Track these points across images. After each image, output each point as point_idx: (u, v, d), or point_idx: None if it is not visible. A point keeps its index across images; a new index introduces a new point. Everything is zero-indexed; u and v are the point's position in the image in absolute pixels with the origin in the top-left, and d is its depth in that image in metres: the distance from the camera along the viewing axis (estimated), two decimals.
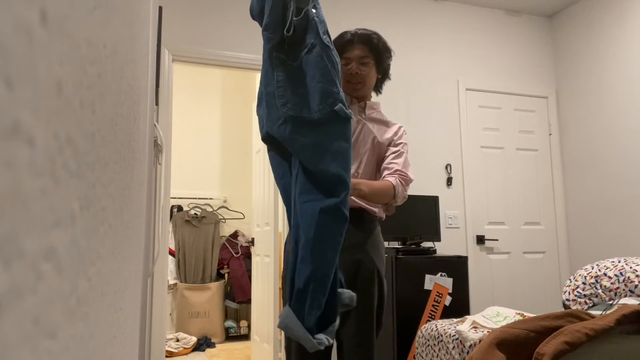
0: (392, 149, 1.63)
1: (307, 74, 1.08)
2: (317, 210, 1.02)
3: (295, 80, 1.08)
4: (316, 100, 1.07)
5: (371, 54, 1.63)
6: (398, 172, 1.57)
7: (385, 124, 1.69)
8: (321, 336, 1.04)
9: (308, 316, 1.02)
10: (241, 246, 4.51)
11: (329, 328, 1.07)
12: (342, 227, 1.05)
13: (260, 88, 1.18)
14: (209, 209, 4.59)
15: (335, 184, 1.05)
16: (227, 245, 4.53)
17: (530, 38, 3.93)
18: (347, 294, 1.13)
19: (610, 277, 1.94)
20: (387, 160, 1.61)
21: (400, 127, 1.69)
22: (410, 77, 3.52)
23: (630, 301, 1.77)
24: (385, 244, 2.99)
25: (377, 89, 1.74)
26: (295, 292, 1.03)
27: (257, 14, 1.16)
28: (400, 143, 1.65)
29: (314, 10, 1.10)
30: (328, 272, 1.03)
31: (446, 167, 3.50)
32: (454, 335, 1.88)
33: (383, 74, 1.71)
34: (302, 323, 1.02)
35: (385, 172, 1.58)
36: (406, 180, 1.58)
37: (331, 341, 1.06)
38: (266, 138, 1.17)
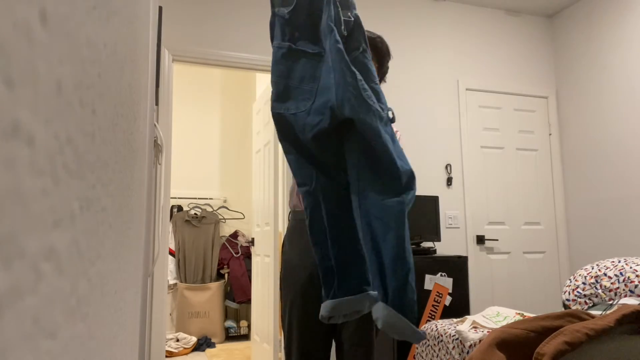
0: None
1: (362, 74, 1.08)
2: (403, 206, 1.04)
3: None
4: (379, 101, 1.09)
5: (375, 56, 1.65)
6: None
7: None
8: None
9: (411, 309, 1.00)
10: (241, 246, 4.51)
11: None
12: None
13: (338, 79, 1.09)
14: (209, 209, 4.59)
15: (411, 178, 1.07)
16: (227, 245, 4.53)
17: (530, 38, 3.93)
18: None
19: (610, 277, 1.94)
20: None
21: (396, 132, 1.70)
22: (410, 77, 3.52)
23: (630, 301, 1.77)
24: None
25: None
26: (394, 289, 1.00)
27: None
28: None
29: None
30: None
31: (446, 167, 3.50)
32: (454, 335, 1.87)
33: (381, 77, 1.72)
34: (406, 317, 0.99)
35: None
36: None
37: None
38: (325, 131, 1.10)
